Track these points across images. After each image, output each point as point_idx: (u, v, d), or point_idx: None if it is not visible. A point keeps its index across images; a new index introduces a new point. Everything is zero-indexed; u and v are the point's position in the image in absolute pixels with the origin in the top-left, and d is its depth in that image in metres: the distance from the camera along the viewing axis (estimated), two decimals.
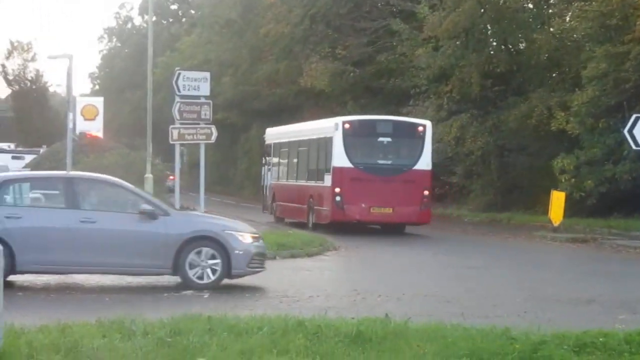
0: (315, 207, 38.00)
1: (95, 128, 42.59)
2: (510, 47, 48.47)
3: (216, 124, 29.32)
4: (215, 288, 19.45)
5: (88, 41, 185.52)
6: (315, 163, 39.66)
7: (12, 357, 11.27)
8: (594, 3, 41.51)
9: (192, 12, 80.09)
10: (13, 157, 46.31)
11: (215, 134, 28.99)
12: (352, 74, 55.25)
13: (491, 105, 47.25)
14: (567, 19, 46.46)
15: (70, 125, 29.86)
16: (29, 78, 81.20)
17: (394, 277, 23.99)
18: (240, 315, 14.51)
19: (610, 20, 40.04)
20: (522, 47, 48.14)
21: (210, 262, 19.92)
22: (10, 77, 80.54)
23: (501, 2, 46.85)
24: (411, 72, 51.14)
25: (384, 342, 12.26)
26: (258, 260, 20.65)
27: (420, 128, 37.65)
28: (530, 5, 47.98)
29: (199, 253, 19.92)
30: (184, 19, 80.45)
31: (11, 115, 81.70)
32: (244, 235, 20.55)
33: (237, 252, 20.00)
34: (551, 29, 46.92)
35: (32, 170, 37.92)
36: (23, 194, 21.76)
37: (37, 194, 23.74)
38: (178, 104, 28.02)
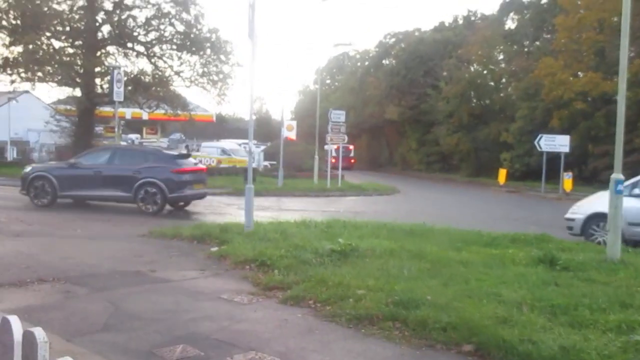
0: None
1: (292, 135, 42.80)
2: (482, 102, 47.45)
3: (346, 134, 29.34)
4: None
5: (290, 94, 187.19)
6: None
7: (257, 234, 11.50)
8: (521, 83, 40.60)
9: (337, 83, 79.75)
10: (255, 146, 46.92)
11: (346, 139, 29.10)
12: (408, 113, 54.74)
13: (472, 129, 46.38)
14: (509, 89, 45.38)
15: (282, 133, 30.18)
16: (263, 111, 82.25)
17: (427, 206, 23.76)
18: (357, 220, 14.56)
19: (530, 90, 38.96)
20: (487, 102, 47.08)
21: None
22: (254, 112, 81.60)
23: (478, 81, 45.97)
24: (435, 113, 50.43)
25: (423, 235, 12.10)
26: None
27: None
28: (492, 83, 46.87)
29: None
30: (332, 86, 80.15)
31: (254, 128, 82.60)
32: None
33: None
34: (501, 94, 45.90)
35: (265, 153, 38.53)
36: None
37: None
38: (330, 125, 28.15)
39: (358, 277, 7.84)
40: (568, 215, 14.02)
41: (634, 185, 13.29)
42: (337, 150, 31.85)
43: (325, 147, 31.81)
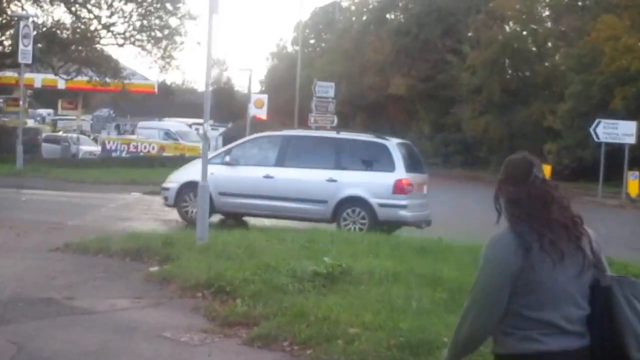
0: None
1: (262, 113, 42.94)
2: (520, 73, 47.75)
3: (335, 113, 29.47)
4: None
5: (260, 59, 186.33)
6: None
7: (213, 249, 11.49)
8: (572, 49, 40.90)
9: (323, 44, 79.82)
10: (212, 129, 46.75)
11: (335, 120, 29.26)
12: (420, 87, 54.95)
13: (506, 109, 46.62)
14: (557, 57, 45.70)
15: (249, 111, 30.23)
16: (223, 81, 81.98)
17: (444, 210, 23.79)
18: (350, 233, 14.60)
19: (585, 59, 39.23)
20: (527, 74, 47.39)
21: None
22: (212, 81, 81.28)
23: (515, 45, 46.23)
24: (457, 87, 50.66)
25: (437, 254, 12.23)
26: None
27: None
28: (534, 48, 47.18)
29: None
30: (318, 48, 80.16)
31: (211, 103, 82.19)
32: None
33: None
34: (546, 64, 46.24)
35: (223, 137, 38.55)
36: None
37: None
38: (315, 101, 28.32)
39: (350, 310, 7.85)
40: (164, 184, 17.01)
41: (227, 153, 16.74)
42: None
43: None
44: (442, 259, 11.52)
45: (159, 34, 31.31)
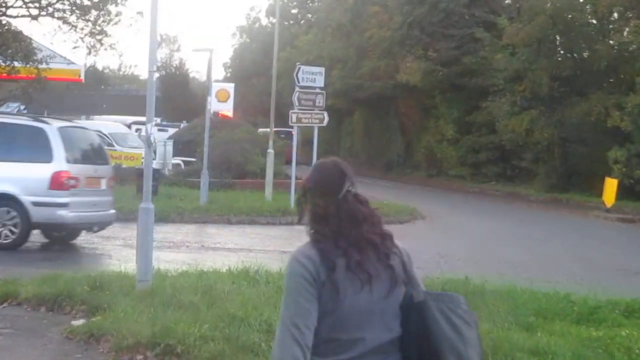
0: None
1: (227, 109, 43.11)
2: (575, 55, 47.84)
3: (326, 109, 29.42)
4: None
5: (223, 36, 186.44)
6: None
7: (159, 295, 11.46)
8: None
9: (309, 15, 79.96)
10: (159, 130, 46.65)
11: (326, 119, 29.26)
12: (440, 73, 54.91)
13: (557, 103, 46.69)
14: (625, 33, 45.80)
15: (209, 106, 30.18)
16: (174, 65, 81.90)
17: (471, 243, 23.93)
18: None
19: None
20: (585, 56, 47.44)
21: None
22: (159, 65, 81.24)
23: (569, 17, 46.32)
24: (490, 73, 50.72)
25: (475, 295, 12.24)
26: None
27: None
28: (594, 21, 47.28)
29: None
30: (302, 21, 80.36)
31: (157, 95, 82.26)
32: None
33: None
34: (611, 42, 46.33)
35: (174, 141, 38.55)
36: None
37: None
38: (298, 93, 28.25)
39: None
40: None
41: None
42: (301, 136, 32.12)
43: (293, 130, 32.05)
44: (471, 308, 11.51)
45: (86, 2, 31.24)
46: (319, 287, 3.74)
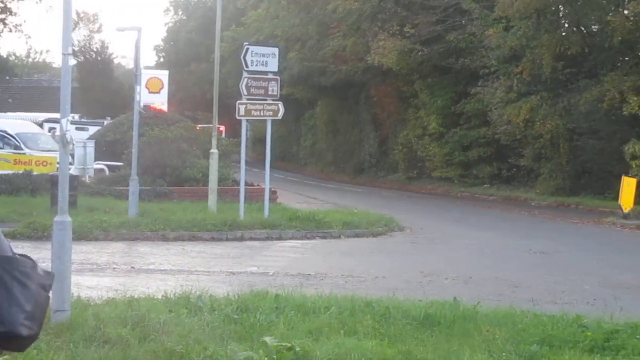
0: None
1: (160, 101, 43.03)
2: (583, 29, 48.11)
3: (281, 99, 29.40)
4: None
5: (153, 13, 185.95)
6: None
7: (80, 328, 11.41)
8: None
9: None
10: (77, 128, 46.44)
11: (282, 110, 29.22)
12: (420, 53, 54.96)
13: (562, 87, 46.95)
14: None
15: (137, 97, 30.04)
16: (94, 49, 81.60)
17: (461, 259, 24.03)
18: (307, 294, 14.59)
19: None
20: (595, 30, 47.76)
21: None
22: (76, 48, 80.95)
23: None
24: (481, 52, 50.92)
25: (452, 326, 12.30)
26: None
27: None
28: None
29: None
30: None
31: (75, 86, 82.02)
32: None
33: None
34: (626, 12, 46.51)
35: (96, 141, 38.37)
36: None
37: None
38: (246, 80, 28.18)
39: None
40: None
41: None
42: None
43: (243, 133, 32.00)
44: (460, 335, 11.56)
45: None
46: None
